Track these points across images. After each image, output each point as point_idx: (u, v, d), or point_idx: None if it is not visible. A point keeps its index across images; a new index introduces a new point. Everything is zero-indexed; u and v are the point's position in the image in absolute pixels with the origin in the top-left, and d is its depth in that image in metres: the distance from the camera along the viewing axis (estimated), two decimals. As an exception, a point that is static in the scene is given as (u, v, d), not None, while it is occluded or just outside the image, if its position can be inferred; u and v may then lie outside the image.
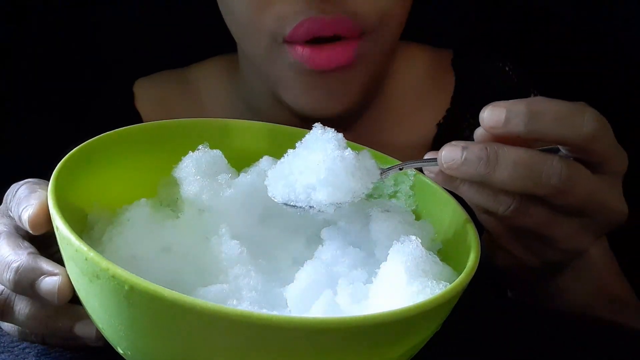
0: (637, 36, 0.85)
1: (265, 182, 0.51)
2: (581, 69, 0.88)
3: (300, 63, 0.62)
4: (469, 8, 0.90)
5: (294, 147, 0.53)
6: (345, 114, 0.66)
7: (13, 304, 0.48)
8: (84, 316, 0.46)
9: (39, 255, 0.46)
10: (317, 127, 0.52)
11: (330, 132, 0.51)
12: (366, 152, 0.52)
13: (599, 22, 0.87)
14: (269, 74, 0.65)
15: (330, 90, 0.64)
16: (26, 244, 0.47)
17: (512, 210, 0.50)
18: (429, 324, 0.43)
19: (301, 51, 0.61)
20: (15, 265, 0.45)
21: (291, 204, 0.50)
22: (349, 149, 0.50)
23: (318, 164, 0.49)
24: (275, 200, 0.51)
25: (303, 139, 0.52)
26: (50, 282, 0.45)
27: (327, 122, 0.66)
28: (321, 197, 0.48)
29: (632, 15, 0.85)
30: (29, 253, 0.46)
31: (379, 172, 0.51)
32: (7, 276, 0.45)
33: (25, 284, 0.45)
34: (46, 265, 0.45)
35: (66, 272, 0.45)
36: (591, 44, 0.87)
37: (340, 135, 0.51)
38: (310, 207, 0.49)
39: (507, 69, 0.78)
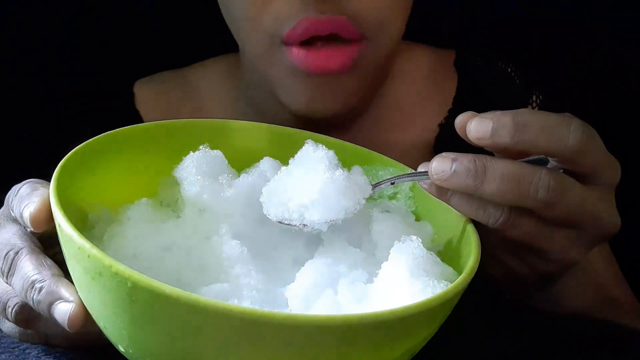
0: (637, 36, 0.86)
1: (260, 199, 0.52)
2: (583, 70, 0.88)
3: (297, 65, 0.62)
4: (471, 9, 0.90)
5: (294, 149, 0.53)
6: (342, 114, 0.66)
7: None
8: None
9: (62, 278, 0.46)
10: (309, 144, 0.53)
11: (322, 150, 0.52)
12: (357, 168, 0.54)
13: (601, 23, 0.87)
14: (267, 75, 0.65)
15: (326, 92, 0.64)
16: (49, 261, 0.47)
17: (502, 223, 0.50)
18: (431, 322, 0.44)
19: (297, 53, 0.61)
20: (38, 285, 0.46)
21: (285, 222, 0.50)
22: (339, 168, 0.51)
23: (309, 185, 0.49)
24: (270, 218, 0.51)
25: (295, 156, 0.53)
26: (63, 310, 0.45)
27: (330, 122, 0.67)
28: (314, 217, 0.49)
29: (633, 16, 0.85)
30: (53, 275, 0.46)
31: (370, 187, 0.52)
32: (31, 295, 0.46)
33: (44, 306, 0.45)
34: (64, 290, 0.45)
35: (81, 300, 0.45)
36: (593, 46, 0.87)
37: (332, 152, 0.52)
38: (304, 225, 0.50)
39: (509, 70, 0.79)
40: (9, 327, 0.51)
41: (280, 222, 0.51)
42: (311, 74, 0.62)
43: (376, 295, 0.46)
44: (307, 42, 0.61)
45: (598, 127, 0.51)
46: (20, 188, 0.50)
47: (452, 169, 0.48)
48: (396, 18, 0.64)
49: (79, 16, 0.86)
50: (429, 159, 0.50)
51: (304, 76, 0.63)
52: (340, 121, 0.69)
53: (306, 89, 0.63)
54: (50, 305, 0.45)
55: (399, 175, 0.53)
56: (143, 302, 0.39)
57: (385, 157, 0.59)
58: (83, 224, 0.51)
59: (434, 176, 0.49)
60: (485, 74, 0.78)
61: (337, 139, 0.60)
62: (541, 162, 0.50)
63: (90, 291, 0.43)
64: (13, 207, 0.50)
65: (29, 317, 0.48)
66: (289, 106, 0.65)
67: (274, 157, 0.57)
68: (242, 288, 0.47)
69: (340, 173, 0.50)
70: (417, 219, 0.56)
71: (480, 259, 0.47)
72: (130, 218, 0.51)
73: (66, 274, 0.46)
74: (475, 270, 0.46)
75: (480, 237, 0.49)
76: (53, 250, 0.49)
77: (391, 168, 0.58)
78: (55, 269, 0.47)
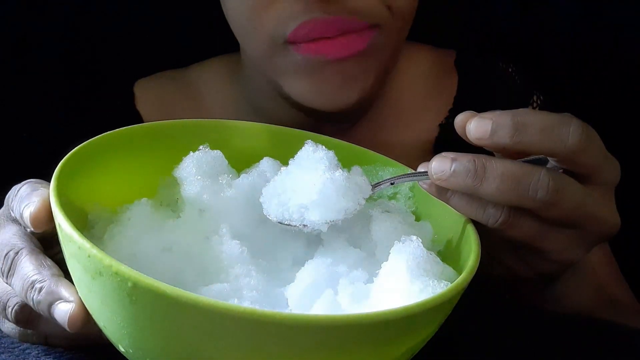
0: (637, 36, 0.86)
1: (260, 200, 0.52)
2: (584, 70, 0.88)
3: (310, 57, 0.61)
4: (471, 9, 0.90)
5: (294, 149, 0.53)
6: (355, 107, 0.65)
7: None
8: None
9: (62, 278, 0.46)
10: (309, 144, 0.53)
11: (322, 151, 0.52)
12: (357, 169, 0.54)
13: (601, 23, 0.87)
14: (271, 74, 0.65)
15: (341, 82, 0.63)
16: (49, 262, 0.47)
17: (501, 223, 0.50)
18: (431, 322, 0.44)
19: (307, 46, 0.60)
20: (38, 286, 0.46)
21: (285, 223, 0.51)
22: (339, 169, 0.51)
23: (309, 186, 0.49)
24: (270, 219, 0.51)
25: (295, 156, 0.53)
26: (63, 309, 0.45)
27: (331, 121, 0.67)
28: (314, 217, 0.49)
29: (634, 15, 0.85)
30: (53, 275, 0.46)
31: (370, 187, 0.52)
32: (31, 295, 0.46)
33: (44, 306, 0.46)
34: (65, 290, 0.45)
35: (81, 301, 0.45)
36: (593, 46, 0.88)
37: (332, 153, 0.52)
38: (304, 225, 0.50)
39: (510, 70, 0.79)
40: (9, 327, 0.51)
41: (280, 223, 0.51)
42: (331, 60, 0.61)
43: (376, 295, 0.46)
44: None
45: (598, 127, 0.51)
46: (20, 188, 0.50)
47: (452, 169, 0.48)
48: (406, 2, 0.63)
49: (79, 16, 0.86)
50: (429, 159, 0.50)
51: (318, 67, 0.62)
52: (344, 119, 0.69)
53: (322, 81, 0.62)
54: (50, 305, 0.45)
55: (399, 176, 0.53)
56: (143, 302, 0.39)
57: (385, 157, 0.59)
58: (83, 224, 0.51)
59: (434, 176, 0.49)
60: (485, 74, 0.78)
61: (337, 139, 0.60)
62: (541, 162, 0.50)
63: (90, 291, 0.43)
64: (13, 207, 0.50)
65: (29, 317, 0.48)
66: (302, 102, 0.64)
67: (274, 157, 0.57)
68: (242, 288, 0.47)
69: (340, 173, 0.50)
70: (417, 219, 0.56)
71: (480, 259, 0.47)
72: (130, 218, 0.51)
73: (66, 274, 0.46)
74: (475, 270, 0.46)
75: (480, 237, 0.49)
76: (53, 250, 0.49)
77: (391, 168, 0.58)
78: (55, 269, 0.47)
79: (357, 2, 0.59)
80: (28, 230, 0.49)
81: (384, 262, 0.48)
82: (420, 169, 0.51)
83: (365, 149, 0.60)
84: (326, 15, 0.59)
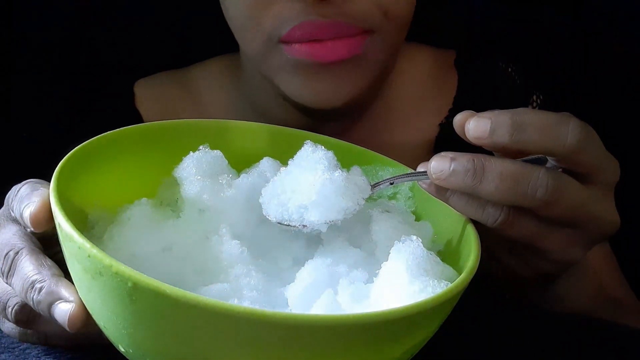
0: (637, 36, 0.86)
1: (260, 200, 0.52)
2: (584, 70, 0.88)
3: (300, 59, 0.61)
4: (471, 9, 0.90)
5: (294, 149, 0.53)
6: (349, 106, 0.65)
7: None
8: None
9: (62, 278, 0.46)
10: (308, 145, 0.53)
11: (321, 151, 0.52)
12: (357, 169, 0.54)
13: (600, 23, 0.87)
14: (267, 72, 0.65)
15: (334, 82, 0.63)
16: (49, 262, 0.47)
17: (501, 222, 0.50)
18: (431, 322, 0.44)
19: (298, 48, 0.61)
20: (38, 286, 0.46)
21: (285, 223, 0.51)
22: (338, 169, 0.51)
23: (308, 186, 0.50)
24: (270, 219, 0.51)
25: (295, 157, 0.53)
26: (63, 309, 0.45)
27: (330, 121, 0.67)
28: (313, 218, 0.49)
29: (633, 15, 0.85)
30: (53, 275, 0.46)
31: (369, 187, 0.52)
32: (31, 295, 0.46)
33: (44, 306, 0.46)
34: (65, 290, 0.45)
35: (81, 301, 0.45)
36: (593, 46, 0.88)
37: (331, 153, 0.52)
38: (304, 226, 0.50)
39: (509, 69, 0.79)
40: (9, 327, 0.51)
41: (279, 223, 0.51)
42: (319, 64, 0.61)
43: (376, 295, 0.46)
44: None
45: (598, 127, 0.51)
46: (20, 188, 0.50)
47: (451, 169, 0.48)
48: (401, 7, 0.63)
49: (79, 15, 0.86)
50: (429, 158, 0.50)
51: (308, 68, 0.62)
52: (340, 117, 0.69)
53: (314, 80, 0.63)
54: (50, 305, 0.45)
55: (398, 175, 0.53)
56: (143, 302, 0.39)
57: (384, 157, 0.59)
58: (83, 224, 0.51)
59: (433, 176, 0.49)
60: (485, 73, 0.78)
61: (337, 139, 0.60)
62: (540, 162, 0.50)
63: (91, 291, 0.43)
64: (13, 207, 0.50)
65: (29, 317, 0.48)
66: (295, 99, 0.64)
67: (274, 157, 0.57)
68: (242, 288, 0.47)
69: (339, 174, 0.50)
70: (417, 219, 0.56)
71: (480, 259, 0.47)
72: (130, 218, 0.51)
73: (66, 274, 0.46)
74: (475, 270, 0.46)
75: (480, 237, 0.49)
76: (53, 250, 0.49)
77: (390, 168, 0.58)
78: (55, 269, 0.47)
79: (354, 6, 0.60)
80: (28, 230, 0.49)
81: (384, 262, 0.48)
82: (420, 168, 0.51)
83: (365, 149, 0.60)
84: (323, 19, 0.59)
